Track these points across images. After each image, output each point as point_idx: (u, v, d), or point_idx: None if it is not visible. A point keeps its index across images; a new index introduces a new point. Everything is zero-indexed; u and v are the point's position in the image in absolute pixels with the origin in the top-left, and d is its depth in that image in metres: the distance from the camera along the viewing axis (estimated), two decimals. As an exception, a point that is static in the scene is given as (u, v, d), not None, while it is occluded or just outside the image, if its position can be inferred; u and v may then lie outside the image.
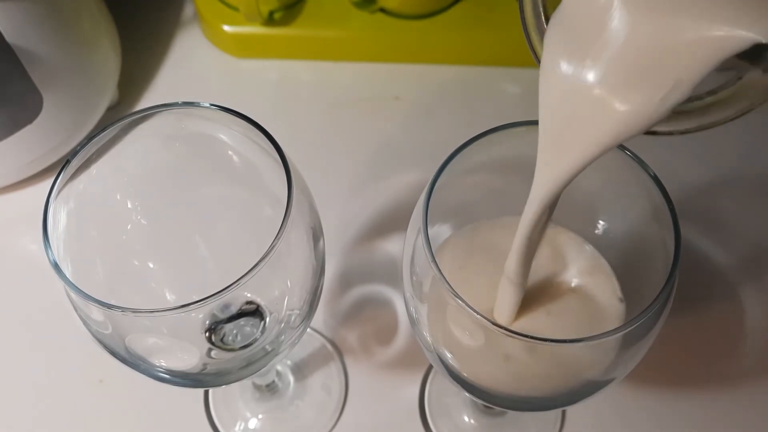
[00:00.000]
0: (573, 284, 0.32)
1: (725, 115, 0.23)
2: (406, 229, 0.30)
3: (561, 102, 0.24)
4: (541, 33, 0.25)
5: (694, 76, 0.21)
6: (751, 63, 0.22)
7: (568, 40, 0.23)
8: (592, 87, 0.22)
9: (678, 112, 0.23)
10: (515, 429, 0.43)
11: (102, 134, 0.29)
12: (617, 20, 0.21)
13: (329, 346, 0.44)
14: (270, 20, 0.54)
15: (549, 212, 0.27)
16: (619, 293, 0.32)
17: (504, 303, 0.30)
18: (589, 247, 0.33)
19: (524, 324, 0.31)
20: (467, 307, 0.25)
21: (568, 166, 0.24)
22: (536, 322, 0.31)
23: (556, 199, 0.26)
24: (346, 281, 0.46)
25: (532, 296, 0.32)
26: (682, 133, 0.24)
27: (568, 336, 0.24)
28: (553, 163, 0.25)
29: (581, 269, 0.33)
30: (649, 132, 0.23)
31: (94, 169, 0.30)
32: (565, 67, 0.23)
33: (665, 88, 0.21)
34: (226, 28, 0.55)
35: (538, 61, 0.25)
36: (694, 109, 0.24)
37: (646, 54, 0.21)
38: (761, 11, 0.19)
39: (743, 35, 0.20)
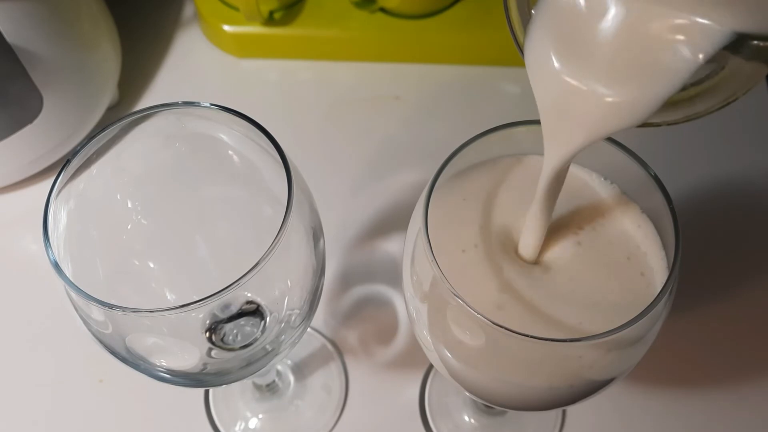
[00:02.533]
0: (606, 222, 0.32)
1: (711, 104, 0.23)
2: (406, 229, 0.30)
3: (553, 95, 0.24)
4: (526, 23, 0.25)
5: (686, 68, 0.21)
6: (733, 52, 0.22)
7: (556, 34, 0.23)
8: (584, 81, 0.23)
9: (666, 103, 0.23)
10: (515, 429, 0.43)
11: (102, 134, 0.29)
12: (608, 12, 0.22)
13: (329, 346, 0.44)
14: (270, 20, 0.54)
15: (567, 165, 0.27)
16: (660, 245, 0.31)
17: (528, 238, 0.29)
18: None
19: (551, 256, 0.30)
20: (467, 306, 0.25)
21: (566, 150, 0.26)
22: (564, 254, 0.30)
23: (568, 163, 0.26)
24: (346, 281, 0.46)
25: (562, 226, 0.31)
26: (670, 124, 0.24)
27: (597, 275, 0.27)
28: (553, 149, 0.26)
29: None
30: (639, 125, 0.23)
31: (94, 169, 0.30)
32: (554, 61, 0.23)
33: (657, 80, 0.22)
34: (226, 27, 0.55)
35: (521, 52, 0.25)
36: (681, 100, 0.24)
37: (637, 46, 0.21)
38: (742, 4, 0.20)
39: (728, 28, 0.20)
